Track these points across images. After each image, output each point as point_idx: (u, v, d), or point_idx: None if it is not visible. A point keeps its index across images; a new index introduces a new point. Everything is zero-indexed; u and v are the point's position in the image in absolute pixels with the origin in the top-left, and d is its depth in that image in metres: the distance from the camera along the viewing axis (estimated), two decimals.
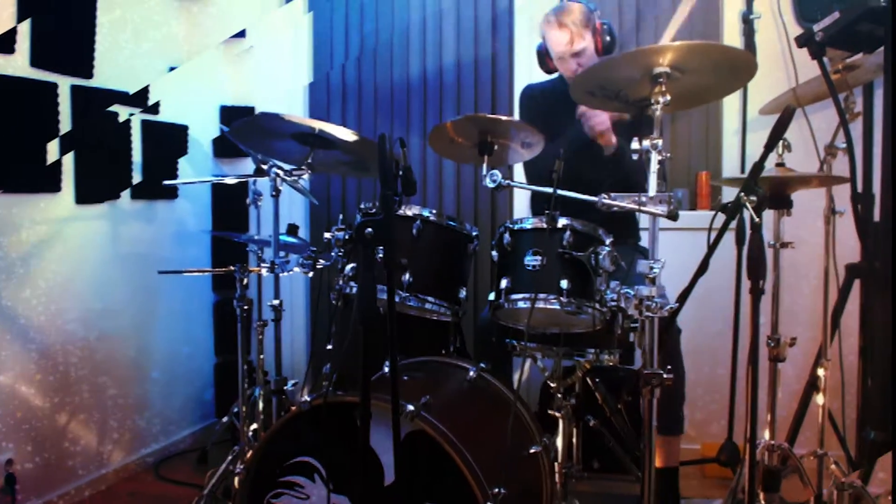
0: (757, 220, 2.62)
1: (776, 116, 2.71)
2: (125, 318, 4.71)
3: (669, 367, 2.63)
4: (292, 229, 4.21)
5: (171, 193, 5.14)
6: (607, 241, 2.97)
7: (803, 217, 3.65)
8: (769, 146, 2.70)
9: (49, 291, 4.12)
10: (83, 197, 4.29)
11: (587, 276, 2.88)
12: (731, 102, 4.70)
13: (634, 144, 2.69)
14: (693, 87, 2.84)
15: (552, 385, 3.29)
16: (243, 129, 3.58)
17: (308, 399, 2.94)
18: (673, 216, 2.64)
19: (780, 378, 3.53)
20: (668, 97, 2.72)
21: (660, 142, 2.65)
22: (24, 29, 3.84)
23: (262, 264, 3.85)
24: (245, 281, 3.90)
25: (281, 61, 5.72)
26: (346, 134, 3.41)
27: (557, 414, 3.27)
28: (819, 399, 3.68)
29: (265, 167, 3.59)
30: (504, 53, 5.23)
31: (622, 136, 3.70)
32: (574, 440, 3.46)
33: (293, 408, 3.00)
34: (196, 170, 5.36)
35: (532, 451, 3.18)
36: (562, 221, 2.93)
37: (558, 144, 3.54)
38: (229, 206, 5.49)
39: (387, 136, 2.41)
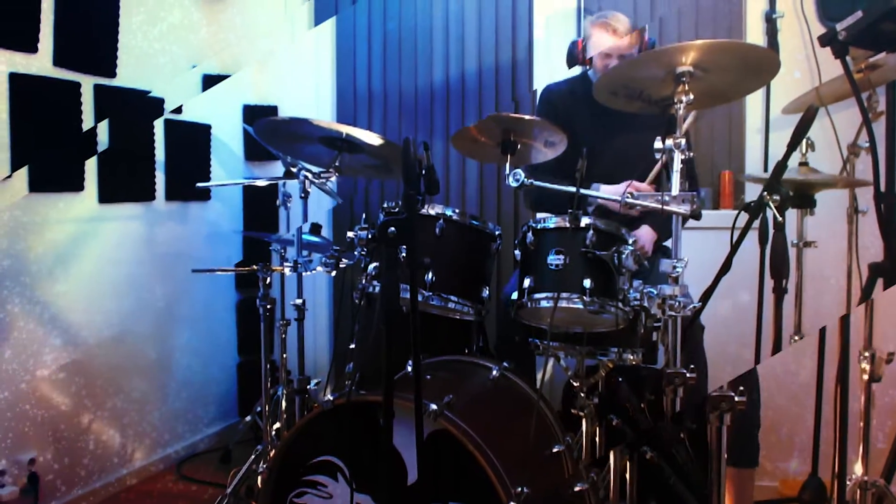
0: (780, 219, 2.62)
1: (799, 116, 2.70)
2: (151, 317, 4.75)
3: (693, 366, 2.62)
4: (315, 228, 4.23)
5: (205, 195, 5.20)
6: (630, 241, 2.97)
7: (826, 216, 3.62)
8: (792, 145, 2.69)
9: (74, 291, 4.15)
10: (106, 196, 4.33)
11: (610, 275, 2.86)
12: (753, 101, 4.68)
13: (657, 144, 2.69)
14: (716, 86, 2.85)
15: (575, 385, 3.25)
16: (269, 129, 3.61)
17: (331, 398, 2.94)
18: (696, 215, 2.64)
19: (876, 401, 3.16)
20: (692, 96, 2.72)
21: (683, 141, 2.66)
22: (47, 28, 3.85)
23: (286, 263, 3.86)
24: (268, 280, 3.91)
25: (303, 59, 5.73)
26: (373, 138, 3.43)
27: (581, 413, 3.23)
28: None
29: (294, 170, 3.65)
30: (524, 59, 5.23)
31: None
32: (628, 475, 3.24)
33: (316, 407, 3.00)
34: (228, 172, 5.42)
35: (555, 450, 3.13)
36: (585, 221, 2.91)
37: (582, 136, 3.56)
38: (260, 207, 5.58)
39: (411, 139, 2.42)
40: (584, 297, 2.84)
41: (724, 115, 4.83)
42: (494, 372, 3.34)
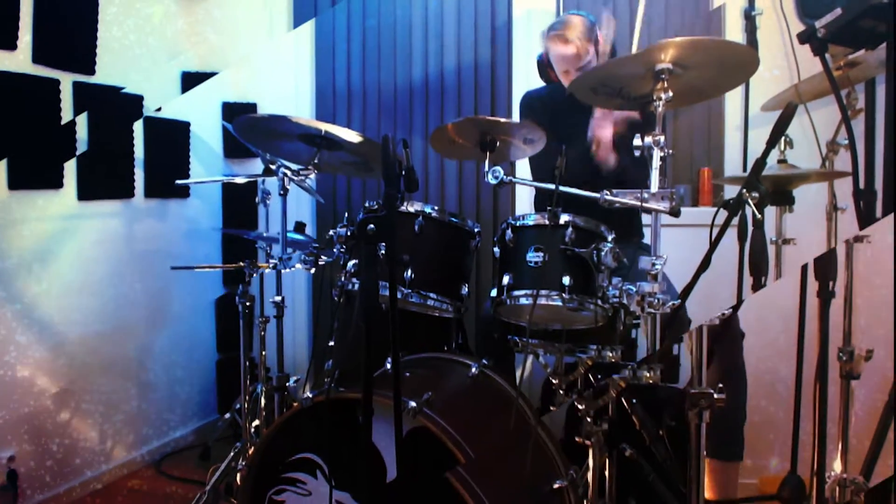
0: (759, 216, 2.62)
1: (778, 113, 2.71)
2: (131, 314, 4.75)
3: (725, 381, 2.54)
4: (299, 227, 4.25)
5: (184, 192, 5.22)
6: (609, 238, 2.96)
7: (805, 213, 3.61)
8: (771, 142, 2.70)
9: (53, 289, 4.14)
10: (85, 193, 4.31)
11: (589, 272, 2.86)
12: (733, 99, 4.69)
13: (636, 141, 2.70)
14: (695, 83, 2.86)
15: (554, 381, 3.18)
16: (248, 126, 3.61)
17: (310, 395, 2.94)
18: (675, 213, 2.65)
19: (854, 398, 3.22)
20: (671, 93, 2.74)
21: (662, 138, 2.67)
22: (26, 25, 3.84)
23: (271, 260, 3.86)
24: (247, 277, 3.91)
25: (282, 56, 5.72)
26: (352, 135, 3.43)
27: (587, 441, 2.98)
28: None
29: (273, 167, 3.67)
30: (503, 58, 5.25)
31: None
32: (606, 472, 3.04)
33: (295, 404, 2.99)
34: (207, 169, 5.42)
35: (556, 485, 2.96)
36: (564, 218, 2.90)
37: (563, 144, 3.56)
38: (239, 204, 5.57)
39: (390, 136, 2.43)
40: (564, 295, 2.83)
41: (704, 112, 4.85)
42: (474, 369, 3.33)
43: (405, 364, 3.38)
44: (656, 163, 2.68)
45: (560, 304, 2.85)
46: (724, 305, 3.80)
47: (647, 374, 2.88)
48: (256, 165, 5.46)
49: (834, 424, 3.18)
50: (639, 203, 2.69)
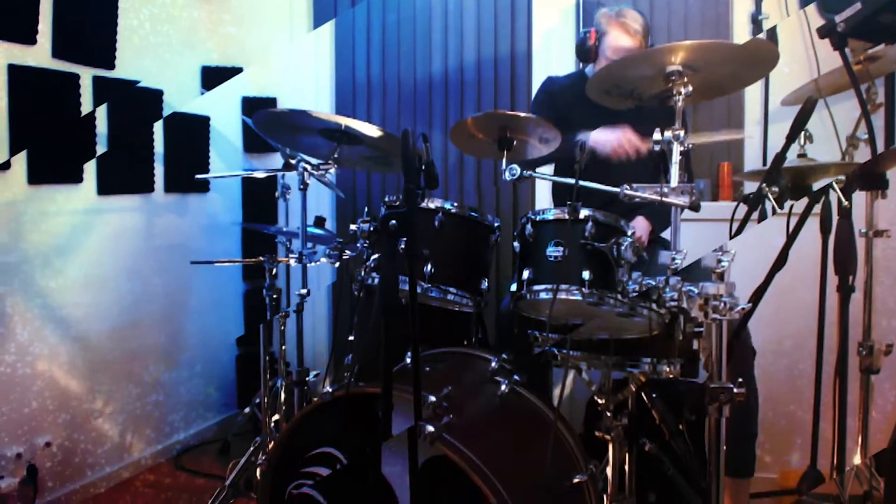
0: (846, 203, 2.58)
1: (798, 107, 2.71)
2: (151, 309, 4.77)
3: (741, 380, 2.45)
4: (319, 221, 4.27)
5: (203, 187, 5.24)
6: (629, 233, 2.96)
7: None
8: (791, 137, 2.70)
9: (73, 283, 4.18)
10: (105, 188, 4.35)
11: (609, 267, 2.83)
12: (752, 93, 4.68)
13: (656, 135, 2.70)
14: (711, 81, 2.86)
15: (600, 402, 3.07)
16: (268, 121, 3.63)
17: (330, 390, 2.94)
18: (695, 207, 2.65)
19: (875, 392, 3.18)
20: (691, 88, 2.73)
21: (682, 133, 2.66)
22: (46, 20, 3.87)
23: (291, 255, 3.88)
24: (274, 271, 3.93)
25: (302, 51, 5.73)
26: (371, 130, 3.45)
27: (606, 436, 3.02)
28: None
29: (293, 162, 3.70)
30: (523, 50, 5.23)
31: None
32: (626, 467, 3.10)
33: (315, 399, 3.00)
34: (227, 164, 5.44)
35: (576, 480, 2.88)
36: (584, 212, 2.87)
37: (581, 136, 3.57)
38: (259, 199, 5.59)
39: (410, 131, 2.44)
40: (583, 289, 2.79)
41: (723, 107, 4.84)
42: (503, 387, 3.06)
43: (425, 358, 3.39)
44: (676, 157, 2.68)
45: (580, 297, 2.79)
46: (801, 310, 3.74)
47: (667, 369, 2.92)
48: (276, 160, 5.43)
49: (853, 419, 3.11)
50: (658, 197, 2.68)
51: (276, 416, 4.05)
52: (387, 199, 3.27)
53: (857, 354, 3.14)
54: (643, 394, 3.11)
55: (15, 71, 3.72)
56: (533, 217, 3.05)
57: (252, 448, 4.06)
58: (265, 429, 4.03)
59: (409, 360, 3.03)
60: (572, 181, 2.82)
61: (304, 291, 3.75)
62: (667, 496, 3.32)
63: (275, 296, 3.97)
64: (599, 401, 3.06)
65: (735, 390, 2.41)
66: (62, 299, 4.10)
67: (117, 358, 4.49)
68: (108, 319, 4.41)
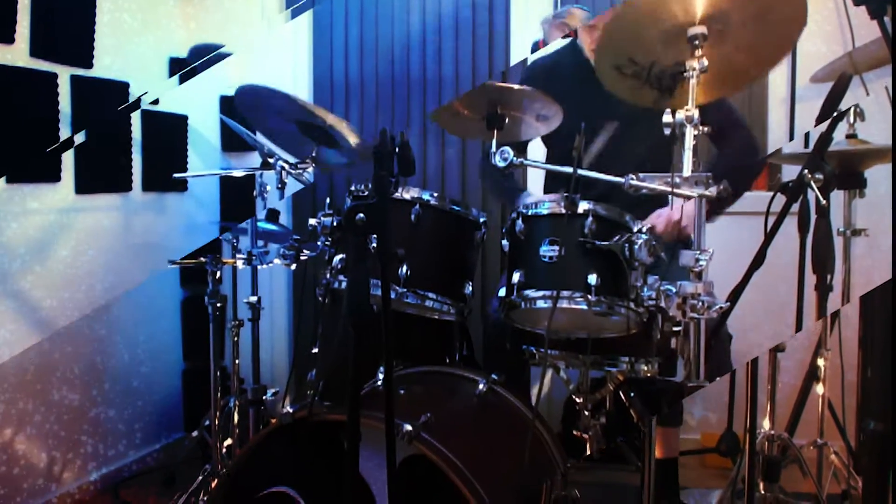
0: (824, 202, 2.58)
1: (829, 85, 2.66)
2: (87, 319, 4.70)
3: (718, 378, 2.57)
4: (272, 215, 4.22)
5: (182, 186, 5.35)
6: (635, 229, 2.89)
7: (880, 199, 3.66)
8: (822, 117, 2.66)
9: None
10: (83, 187, 4.46)
11: (619, 269, 2.78)
12: (777, 68, 4.65)
13: (667, 118, 2.63)
14: (732, 59, 2.78)
15: (578, 401, 3.22)
16: (250, 100, 3.72)
17: (290, 410, 2.85)
18: (721, 199, 2.60)
19: (780, 368, 3.77)
20: (706, 62, 2.65)
21: (695, 113, 2.59)
22: (24, 18, 4.01)
23: (238, 255, 3.82)
24: (218, 275, 3.86)
25: (281, 48, 5.90)
26: (351, 137, 3.46)
27: (584, 435, 3.18)
28: (819, 389, 3.99)
29: (271, 160, 3.76)
30: (501, 44, 5.37)
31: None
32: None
33: (273, 420, 2.93)
34: (205, 163, 5.54)
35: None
36: (583, 206, 2.84)
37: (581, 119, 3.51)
38: (237, 197, 5.68)
39: (388, 131, 2.41)
40: (589, 297, 2.75)
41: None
42: (481, 385, 3.22)
43: (400, 379, 3.35)
44: (689, 142, 2.61)
45: (585, 307, 2.76)
46: (781, 309, 4.07)
47: (645, 368, 3.16)
48: (254, 159, 5.46)
49: (763, 390, 3.54)
50: (669, 189, 2.62)
51: (229, 441, 4.01)
52: (353, 188, 3.24)
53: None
54: (621, 392, 3.16)
55: None
56: (524, 211, 3.02)
57: (200, 478, 4.01)
58: (215, 455, 3.98)
59: (381, 377, 2.98)
60: (570, 170, 2.77)
61: (253, 299, 3.72)
62: (607, 452, 3.80)
63: (218, 304, 3.89)
64: (577, 400, 3.24)
65: None
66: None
67: (41, 372, 4.39)
68: (35, 328, 4.34)
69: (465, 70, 5.35)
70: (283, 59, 5.86)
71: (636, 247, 2.74)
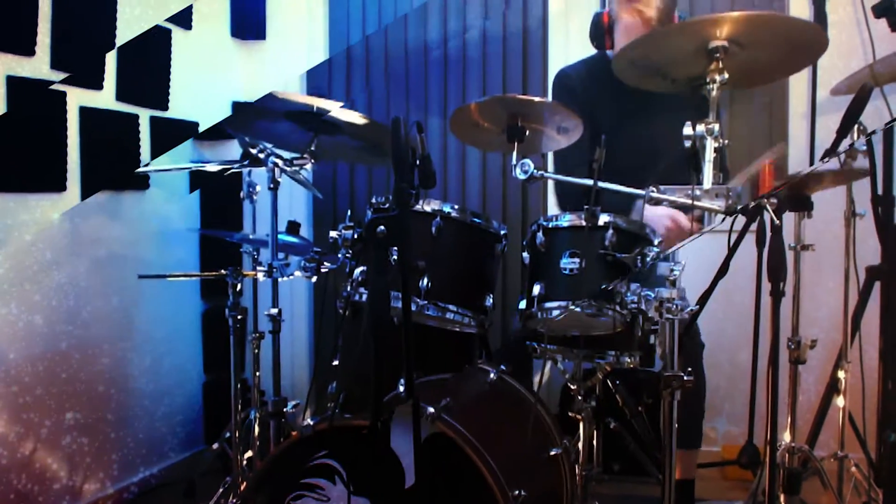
0: (777, 222, 2.69)
1: (850, 97, 2.71)
2: (102, 331, 4.68)
3: (690, 369, 2.79)
4: (293, 227, 4.22)
5: (142, 183, 5.02)
6: (656, 241, 2.96)
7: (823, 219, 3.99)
8: (842, 131, 2.70)
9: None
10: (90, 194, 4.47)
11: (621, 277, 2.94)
12: (797, 82, 4.68)
13: (687, 130, 2.68)
14: (753, 65, 2.83)
15: (572, 388, 3.55)
16: (240, 118, 3.66)
17: (311, 423, 2.94)
18: (731, 212, 2.65)
19: (801, 381, 4.13)
20: (726, 75, 2.71)
21: (716, 126, 2.65)
22: (111, 67, 4.59)
23: (259, 268, 3.85)
24: (238, 287, 3.89)
25: (296, 55, 5.81)
26: (354, 117, 3.42)
27: (578, 416, 3.55)
28: (839, 402, 4.14)
29: (254, 151, 3.64)
30: (537, 26, 5.20)
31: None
32: (594, 442, 3.78)
33: (294, 433, 2.99)
34: (171, 156, 5.18)
35: (552, 453, 3.45)
36: (603, 218, 2.90)
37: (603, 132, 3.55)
38: (220, 200, 5.50)
39: (401, 119, 2.42)
40: (593, 302, 2.93)
41: (764, 97, 4.83)
42: (492, 374, 3.61)
43: (420, 387, 3.36)
44: (709, 154, 2.67)
45: (592, 312, 2.98)
46: (741, 312, 4.70)
47: (629, 360, 3.39)
48: (233, 149, 5.40)
49: (784, 403, 3.68)
50: (690, 201, 2.68)
51: (249, 453, 4.03)
52: (374, 200, 3.26)
53: (787, 348, 3.85)
54: (608, 381, 3.90)
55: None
56: (545, 224, 3.08)
57: (221, 489, 4.04)
58: (236, 467, 4.00)
59: (401, 389, 3.03)
60: (590, 182, 2.81)
61: (274, 311, 3.71)
62: (628, 466, 4.59)
63: (239, 316, 3.92)
64: (572, 387, 3.58)
65: (685, 378, 2.80)
66: None
67: (57, 387, 4.34)
68: (41, 342, 4.25)
69: (494, 52, 5.25)
70: (297, 60, 5.81)
71: (648, 259, 2.84)
